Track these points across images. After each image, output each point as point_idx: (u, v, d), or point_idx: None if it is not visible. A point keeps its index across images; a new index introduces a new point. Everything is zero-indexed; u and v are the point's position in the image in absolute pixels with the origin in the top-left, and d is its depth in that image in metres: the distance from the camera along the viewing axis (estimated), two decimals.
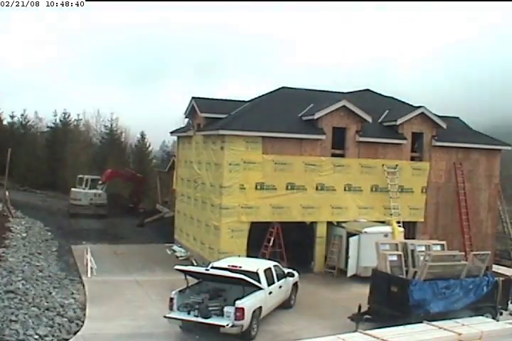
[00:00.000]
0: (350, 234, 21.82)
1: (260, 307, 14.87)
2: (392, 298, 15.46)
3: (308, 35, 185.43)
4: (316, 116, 22.63)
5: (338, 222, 22.88)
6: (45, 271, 19.34)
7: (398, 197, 23.52)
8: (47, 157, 51.52)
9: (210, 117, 24.70)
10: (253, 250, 22.11)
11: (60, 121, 55.21)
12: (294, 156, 22.26)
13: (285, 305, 17.13)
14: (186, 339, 14.44)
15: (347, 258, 21.51)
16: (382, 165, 23.52)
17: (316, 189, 22.65)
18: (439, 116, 24.97)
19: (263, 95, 26.38)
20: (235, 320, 13.79)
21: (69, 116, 55.60)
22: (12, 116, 56.03)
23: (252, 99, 26.63)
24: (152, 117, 66.47)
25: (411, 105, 26.38)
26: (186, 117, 27.71)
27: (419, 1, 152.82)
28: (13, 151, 35.29)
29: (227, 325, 13.69)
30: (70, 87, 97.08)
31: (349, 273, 21.38)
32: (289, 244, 23.63)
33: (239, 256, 19.43)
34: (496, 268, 24.82)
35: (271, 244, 22.10)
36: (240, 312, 13.78)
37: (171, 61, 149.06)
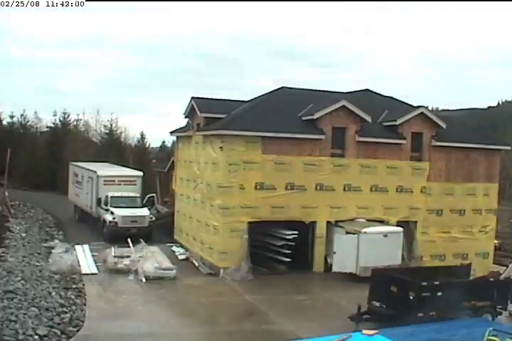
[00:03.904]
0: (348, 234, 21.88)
1: None
2: (392, 298, 15.48)
3: None
4: (315, 116, 22.63)
5: (336, 222, 22.89)
6: (45, 271, 19.33)
7: None
8: (47, 157, 51.46)
9: (210, 117, 24.69)
10: (253, 250, 22.14)
11: (60, 121, 55.15)
12: (294, 156, 22.25)
13: None
14: (187, 340, 14.44)
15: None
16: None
17: (316, 189, 22.65)
18: (438, 116, 24.97)
19: (263, 95, 26.39)
20: None
21: (68, 116, 55.59)
22: (12, 116, 56.01)
23: (252, 99, 26.63)
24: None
25: (410, 105, 26.42)
26: (186, 117, 27.69)
27: None
28: (12, 151, 35.27)
29: None
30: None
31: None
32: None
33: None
34: (495, 268, 24.82)
35: None
36: None
37: None
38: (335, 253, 21.29)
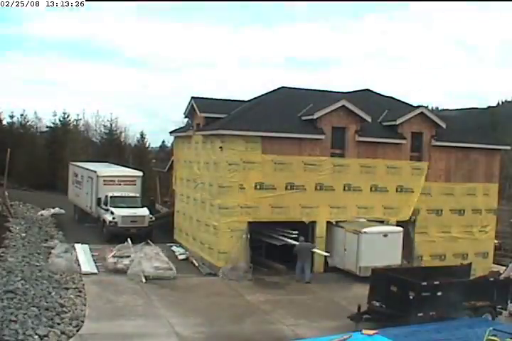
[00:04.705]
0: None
1: None
2: (392, 297, 15.48)
3: None
4: (315, 116, 22.62)
5: (336, 222, 22.89)
6: (45, 271, 19.32)
7: None
8: (46, 157, 51.51)
9: (210, 117, 24.67)
10: (253, 250, 22.14)
11: (60, 121, 55.23)
12: (294, 156, 22.24)
13: None
14: (187, 340, 14.43)
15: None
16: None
17: (316, 189, 22.64)
18: (438, 116, 24.97)
19: (263, 95, 26.38)
20: None
21: (68, 116, 55.71)
22: (11, 116, 56.05)
23: (252, 99, 26.63)
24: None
25: (410, 105, 26.41)
26: (186, 117, 27.71)
27: None
28: (12, 151, 35.28)
29: None
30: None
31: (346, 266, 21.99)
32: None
33: None
34: (495, 268, 24.83)
35: None
36: None
37: None
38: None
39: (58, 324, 14.33)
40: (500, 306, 16.64)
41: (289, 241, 22.02)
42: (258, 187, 21.80)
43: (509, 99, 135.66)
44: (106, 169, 31.71)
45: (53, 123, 55.42)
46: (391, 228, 22.64)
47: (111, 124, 55.83)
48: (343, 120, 23.03)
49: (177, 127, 32.27)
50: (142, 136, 57.29)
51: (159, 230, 28.92)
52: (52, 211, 34.04)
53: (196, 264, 22.96)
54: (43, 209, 34.15)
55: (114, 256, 21.75)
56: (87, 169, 31.47)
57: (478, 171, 25.67)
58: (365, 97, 26.32)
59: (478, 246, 25.46)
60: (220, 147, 21.83)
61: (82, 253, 23.05)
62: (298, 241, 21.64)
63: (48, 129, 56.54)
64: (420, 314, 14.86)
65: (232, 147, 21.56)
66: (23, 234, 25.57)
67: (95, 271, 20.83)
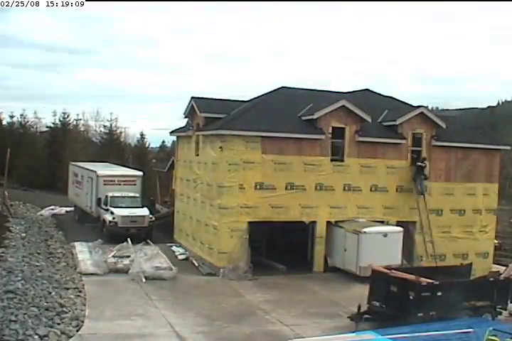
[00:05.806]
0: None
1: None
2: (392, 298, 15.48)
3: None
4: (315, 116, 22.62)
5: (336, 222, 22.89)
6: (45, 271, 19.30)
7: None
8: (46, 157, 51.56)
9: (210, 117, 24.66)
10: (253, 250, 22.15)
11: (60, 121, 55.29)
12: (294, 156, 22.24)
13: None
14: (187, 340, 14.43)
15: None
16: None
17: (316, 189, 22.64)
18: (438, 116, 24.97)
19: (262, 95, 26.37)
20: None
21: (68, 116, 55.77)
22: (11, 116, 56.15)
23: (252, 99, 26.62)
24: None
25: (410, 105, 26.41)
26: (186, 117, 27.69)
27: None
28: (12, 151, 35.28)
29: None
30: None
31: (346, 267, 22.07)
32: (289, 243, 23.70)
33: None
34: (495, 267, 24.84)
35: None
36: None
37: None
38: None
39: (58, 324, 14.32)
40: (500, 306, 16.64)
41: None
42: (258, 187, 21.80)
43: (509, 99, 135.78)
44: (106, 169, 31.73)
45: (53, 123, 55.48)
46: (391, 228, 22.64)
47: (111, 124, 55.91)
48: (343, 120, 23.02)
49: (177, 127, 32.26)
50: (142, 136, 57.39)
51: (159, 230, 28.93)
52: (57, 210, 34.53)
53: (196, 264, 22.97)
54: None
55: (114, 256, 21.75)
56: (87, 169, 31.49)
57: (478, 171, 25.66)
58: (365, 97, 26.34)
59: (479, 246, 25.46)
60: (220, 147, 21.83)
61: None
62: None
63: (48, 129, 56.59)
64: (420, 314, 14.86)
65: (232, 147, 21.56)
66: (23, 234, 25.55)
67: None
